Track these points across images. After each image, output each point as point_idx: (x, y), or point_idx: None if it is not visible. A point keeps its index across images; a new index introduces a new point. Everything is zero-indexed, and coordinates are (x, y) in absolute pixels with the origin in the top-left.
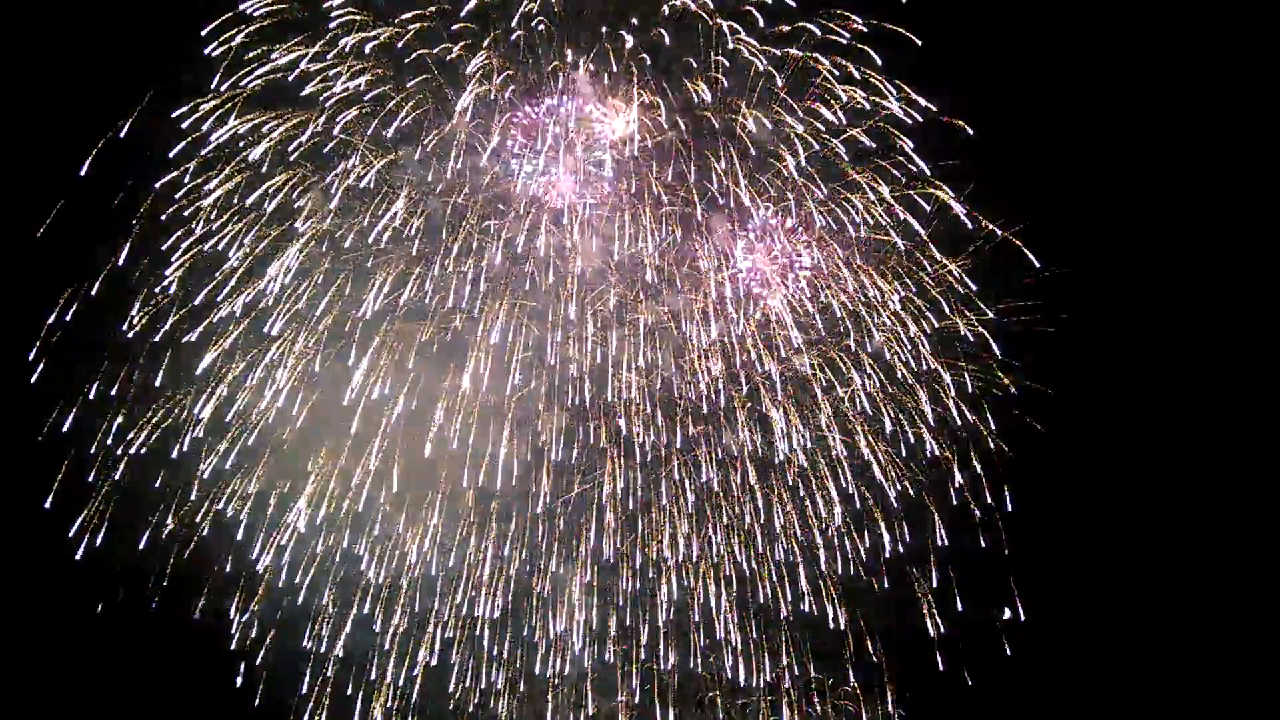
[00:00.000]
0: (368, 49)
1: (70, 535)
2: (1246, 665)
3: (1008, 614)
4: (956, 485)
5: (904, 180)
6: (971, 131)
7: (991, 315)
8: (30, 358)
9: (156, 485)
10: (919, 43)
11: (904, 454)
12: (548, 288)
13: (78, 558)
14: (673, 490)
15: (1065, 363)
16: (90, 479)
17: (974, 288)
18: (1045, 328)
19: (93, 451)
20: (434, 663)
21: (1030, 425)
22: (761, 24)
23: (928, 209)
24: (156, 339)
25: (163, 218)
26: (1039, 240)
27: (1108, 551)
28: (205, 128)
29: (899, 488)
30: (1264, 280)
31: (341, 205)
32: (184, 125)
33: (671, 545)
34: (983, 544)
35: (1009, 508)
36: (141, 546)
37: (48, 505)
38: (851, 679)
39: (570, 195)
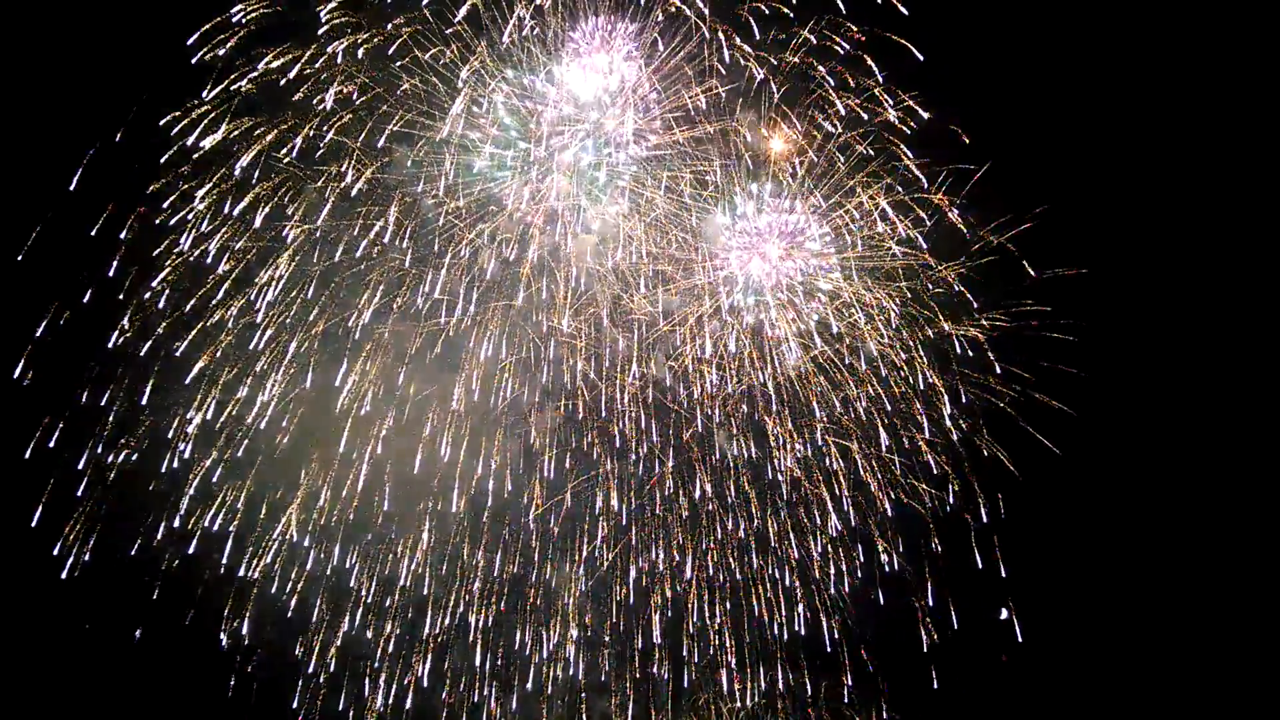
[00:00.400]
0: (359, 53)
1: (57, 552)
2: (1245, 682)
3: (1004, 614)
4: (952, 497)
5: (900, 189)
6: (968, 140)
7: (986, 323)
8: (15, 374)
9: (146, 498)
10: (920, 57)
11: (900, 465)
12: (539, 288)
13: (64, 575)
14: (666, 499)
15: (1063, 370)
16: (79, 492)
17: (970, 296)
18: (1044, 333)
19: (80, 466)
20: (426, 673)
21: (1026, 432)
22: (757, 33)
23: (925, 219)
24: (144, 351)
25: (155, 223)
26: (1036, 246)
27: (1104, 563)
28: (194, 135)
29: (892, 495)
30: (1262, 283)
31: (332, 211)
32: (173, 132)
33: (666, 555)
34: (978, 556)
35: (1002, 516)
36: (131, 560)
37: (34, 523)
38: (847, 689)
39: (563, 199)
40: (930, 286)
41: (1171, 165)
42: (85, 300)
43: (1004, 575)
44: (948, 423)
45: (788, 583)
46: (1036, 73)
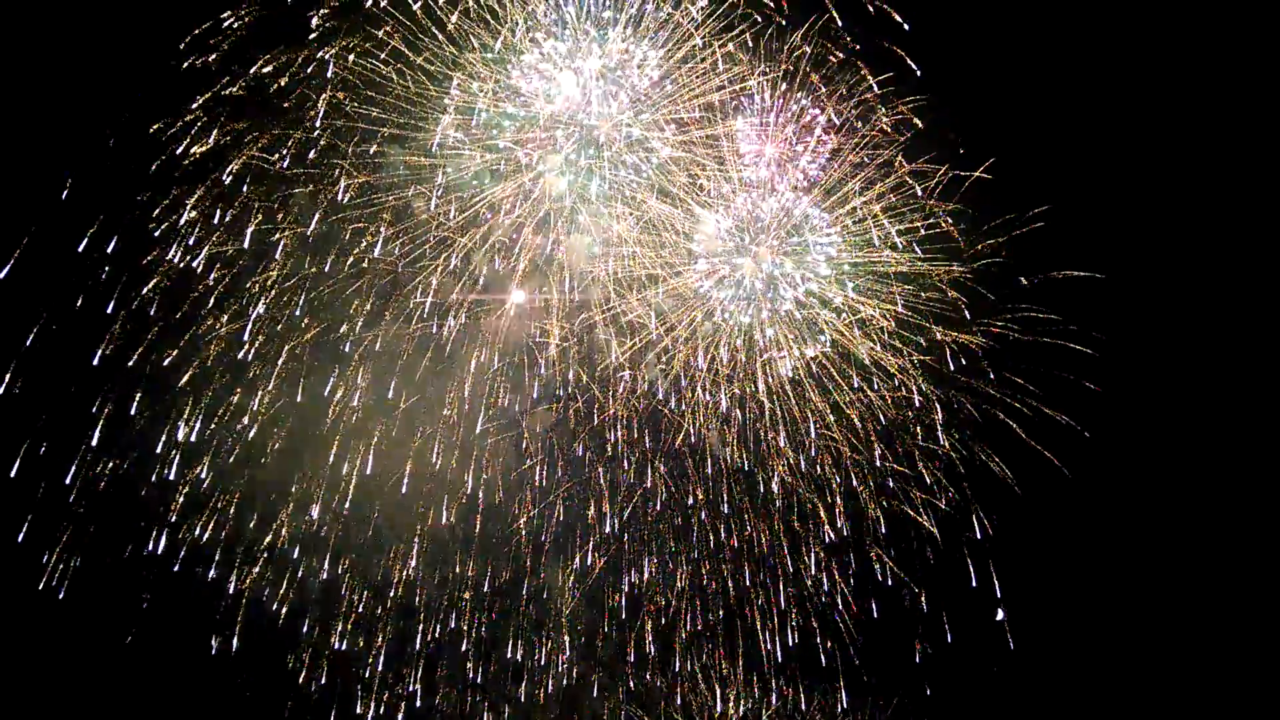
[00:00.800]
0: (350, 58)
1: (45, 561)
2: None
3: (1000, 615)
4: (947, 504)
5: (893, 196)
6: (963, 150)
7: (977, 330)
8: (3, 385)
9: (135, 508)
10: (916, 69)
11: (894, 476)
12: (532, 290)
13: (52, 585)
14: (659, 507)
15: (1059, 375)
16: (70, 499)
17: (965, 303)
18: (1040, 338)
19: (69, 479)
20: (418, 682)
21: (1024, 441)
22: (750, 40)
23: (921, 226)
24: (133, 360)
25: (145, 231)
26: (1031, 253)
27: (1101, 572)
28: (185, 142)
29: (885, 505)
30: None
31: (323, 218)
32: (163, 139)
33: (659, 564)
34: (971, 568)
35: (996, 523)
36: (120, 569)
37: (23, 533)
38: (840, 699)
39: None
40: (923, 294)
41: (1171, 168)
42: (74, 309)
43: (999, 594)
44: (940, 433)
45: (781, 593)
46: (1033, 76)
